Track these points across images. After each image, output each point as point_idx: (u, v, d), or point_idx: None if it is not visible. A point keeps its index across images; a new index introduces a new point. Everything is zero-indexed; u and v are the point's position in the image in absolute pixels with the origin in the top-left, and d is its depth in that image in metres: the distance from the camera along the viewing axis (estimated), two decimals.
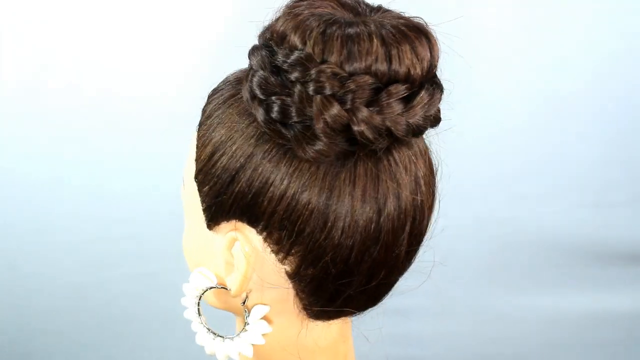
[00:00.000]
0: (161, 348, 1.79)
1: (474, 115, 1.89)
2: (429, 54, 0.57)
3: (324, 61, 0.55)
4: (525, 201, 2.02)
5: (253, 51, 0.60)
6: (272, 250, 0.61)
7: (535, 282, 2.01)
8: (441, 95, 0.59)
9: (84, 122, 1.94)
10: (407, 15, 0.61)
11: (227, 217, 0.62)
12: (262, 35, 0.61)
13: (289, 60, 0.56)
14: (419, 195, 0.61)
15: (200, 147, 0.63)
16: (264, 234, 0.61)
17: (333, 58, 0.55)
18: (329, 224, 0.59)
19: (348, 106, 0.55)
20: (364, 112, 0.55)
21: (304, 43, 0.56)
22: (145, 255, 1.85)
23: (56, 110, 1.94)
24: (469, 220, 1.93)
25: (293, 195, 0.58)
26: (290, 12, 0.58)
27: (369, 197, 0.59)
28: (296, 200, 0.58)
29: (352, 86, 0.55)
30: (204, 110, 0.65)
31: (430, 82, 0.58)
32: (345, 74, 0.55)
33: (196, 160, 0.63)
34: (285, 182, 0.58)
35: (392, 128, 0.56)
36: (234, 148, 0.60)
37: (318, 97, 0.55)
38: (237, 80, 0.64)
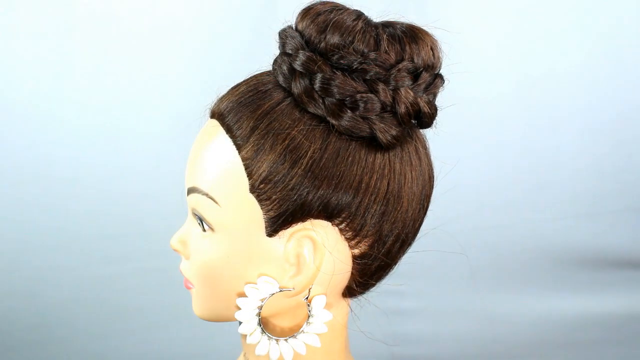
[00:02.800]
0: (168, 340, 1.80)
1: (470, 125, 1.92)
2: (440, 49, 0.68)
3: (399, 60, 0.64)
4: (519, 209, 2.05)
5: (310, 59, 0.64)
6: (346, 238, 0.66)
7: (529, 285, 2.03)
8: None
9: (95, 122, 1.96)
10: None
11: (304, 217, 0.65)
12: (309, 45, 0.65)
13: (366, 62, 0.63)
14: (430, 160, 0.71)
15: (252, 159, 0.64)
16: (343, 224, 0.65)
17: (406, 57, 0.64)
18: (402, 200, 0.66)
19: (417, 95, 0.65)
20: (427, 99, 0.66)
21: (374, 46, 0.64)
22: (153, 251, 1.86)
23: (67, 111, 1.97)
24: (465, 226, 1.95)
25: (376, 182, 0.65)
26: (340, 23, 0.64)
27: (417, 170, 0.68)
28: (379, 187, 0.65)
29: (421, 79, 0.65)
30: (237, 127, 0.65)
31: None
32: (419, 70, 0.65)
33: (251, 173, 0.64)
34: (368, 172, 0.65)
35: (435, 110, 0.68)
36: (311, 149, 0.63)
37: (402, 89, 0.64)
38: (268, 89, 0.66)
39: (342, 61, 0.63)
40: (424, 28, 0.67)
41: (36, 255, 1.92)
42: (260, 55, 0.71)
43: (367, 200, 0.65)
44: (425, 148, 0.70)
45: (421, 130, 0.71)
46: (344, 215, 0.65)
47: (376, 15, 0.69)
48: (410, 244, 0.71)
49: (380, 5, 0.73)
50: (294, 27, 0.67)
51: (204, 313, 0.73)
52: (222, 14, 1.94)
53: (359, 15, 0.66)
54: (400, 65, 0.64)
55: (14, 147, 1.96)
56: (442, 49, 0.67)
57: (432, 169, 0.71)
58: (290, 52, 0.65)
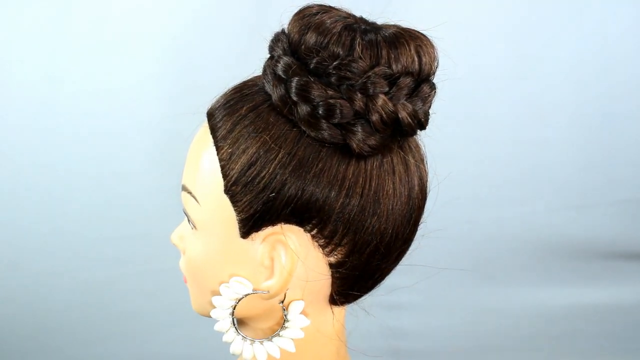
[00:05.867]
0: (168, 342, 1.81)
1: (463, 123, 1.92)
2: (435, 54, 0.64)
3: (373, 66, 0.61)
4: (511, 203, 2.06)
5: (288, 64, 0.63)
6: (319, 245, 0.65)
7: (520, 278, 2.06)
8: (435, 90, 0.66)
9: (92, 125, 1.98)
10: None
11: (274, 221, 0.64)
12: (291, 48, 0.63)
13: (342, 67, 0.61)
14: (424, 172, 0.69)
15: (227, 160, 0.64)
16: (315, 231, 0.64)
17: (382, 62, 0.61)
18: (378, 211, 0.64)
19: (397, 102, 0.62)
20: (409, 107, 0.62)
21: (348, 51, 0.61)
22: (151, 254, 1.88)
23: (63, 115, 1.97)
24: (458, 220, 1.97)
25: (347, 190, 0.63)
26: (319, 25, 0.62)
27: (403, 181, 0.65)
28: (350, 195, 0.63)
29: (399, 86, 0.62)
30: (218, 128, 0.65)
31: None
32: (395, 75, 0.61)
33: (225, 174, 0.64)
34: (339, 179, 0.62)
35: (422, 118, 0.63)
36: (280, 154, 0.62)
37: (377, 96, 0.61)
38: (252, 92, 0.66)
39: (318, 65, 0.62)
40: (422, 32, 0.65)
41: (34, 260, 1.94)
42: (260, 57, 0.70)
43: (337, 208, 0.63)
44: (418, 159, 0.67)
45: (418, 140, 0.69)
46: (314, 221, 0.64)
47: (375, 17, 0.67)
48: (395, 257, 0.69)
49: (380, 6, 0.71)
50: (285, 30, 0.66)
51: (195, 307, 0.74)
52: (220, 15, 1.94)
53: (345, 17, 0.64)
54: (375, 70, 0.61)
55: (11, 151, 1.97)
56: (437, 56, 0.64)
57: (424, 182, 0.68)
58: (275, 56, 0.65)
